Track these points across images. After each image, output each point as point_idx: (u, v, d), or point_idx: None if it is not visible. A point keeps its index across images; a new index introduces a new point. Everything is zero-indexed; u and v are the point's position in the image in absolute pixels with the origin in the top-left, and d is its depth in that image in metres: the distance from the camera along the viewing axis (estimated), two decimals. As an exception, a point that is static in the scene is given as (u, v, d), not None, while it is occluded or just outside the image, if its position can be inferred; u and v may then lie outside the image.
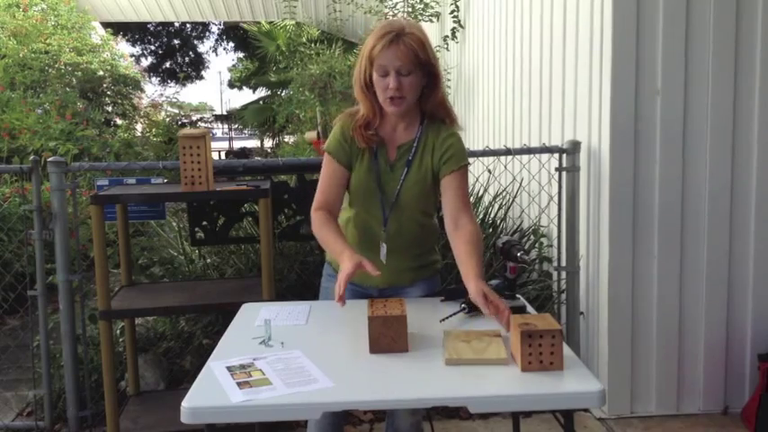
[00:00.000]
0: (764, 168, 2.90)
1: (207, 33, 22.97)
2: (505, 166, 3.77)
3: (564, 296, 3.20)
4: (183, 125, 12.74)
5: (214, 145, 12.17)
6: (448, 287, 2.04)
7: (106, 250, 2.46)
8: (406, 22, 1.87)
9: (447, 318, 1.77)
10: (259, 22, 11.36)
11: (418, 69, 1.84)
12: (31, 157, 2.96)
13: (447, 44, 5.82)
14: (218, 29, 22.21)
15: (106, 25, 11.32)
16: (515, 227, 3.77)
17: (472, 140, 5.39)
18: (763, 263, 2.94)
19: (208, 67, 24.15)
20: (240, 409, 1.34)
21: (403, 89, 1.83)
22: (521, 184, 3.69)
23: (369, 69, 1.86)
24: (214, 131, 22.75)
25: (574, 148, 3.05)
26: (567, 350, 1.52)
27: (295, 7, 7.47)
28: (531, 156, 3.41)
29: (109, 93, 10.20)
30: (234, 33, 20.80)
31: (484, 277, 1.76)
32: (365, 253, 1.89)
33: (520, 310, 1.76)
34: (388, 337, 1.59)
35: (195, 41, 23.44)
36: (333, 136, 1.98)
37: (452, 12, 5.63)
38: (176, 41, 23.18)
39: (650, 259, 2.92)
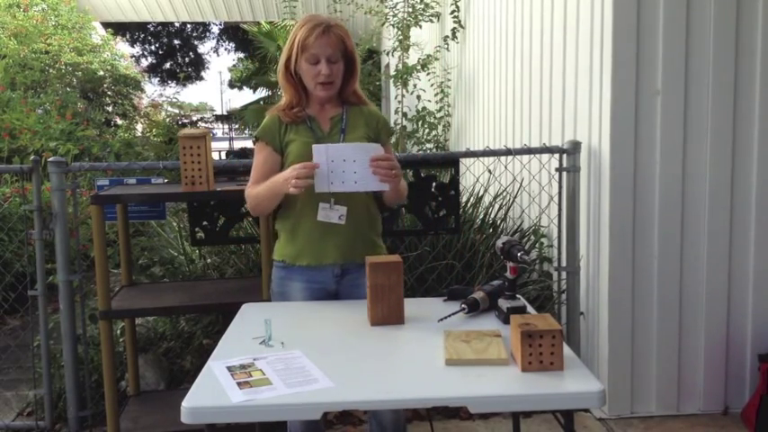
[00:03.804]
0: (765, 168, 2.90)
1: (207, 33, 22.95)
2: (506, 167, 3.77)
3: (564, 296, 3.20)
4: (184, 125, 12.75)
5: (214, 145, 12.17)
6: (451, 287, 2.05)
7: (106, 250, 2.46)
8: (329, 16, 2.08)
9: (446, 317, 1.77)
10: (259, 23, 11.36)
11: (343, 58, 2.06)
12: (32, 158, 2.96)
13: (447, 44, 5.82)
14: (219, 29, 22.20)
15: (106, 25, 11.33)
16: (516, 227, 3.77)
17: (472, 140, 5.39)
18: (764, 263, 2.94)
19: (208, 67, 24.14)
20: (240, 409, 1.34)
21: (333, 74, 2.04)
22: (521, 184, 3.69)
23: (298, 58, 2.04)
24: (214, 131, 22.74)
25: (574, 148, 3.05)
26: (567, 350, 1.52)
27: (295, 7, 7.45)
28: (532, 156, 3.41)
29: (109, 93, 10.21)
30: (234, 33, 20.78)
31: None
32: (321, 227, 2.04)
33: (520, 310, 1.76)
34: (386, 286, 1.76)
35: (195, 42, 23.42)
36: (262, 124, 2.15)
37: (453, 12, 5.63)
38: (176, 42, 23.16)
39: (650, 259, 2.92)
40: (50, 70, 8.94)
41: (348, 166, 1.87)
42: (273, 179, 1.99)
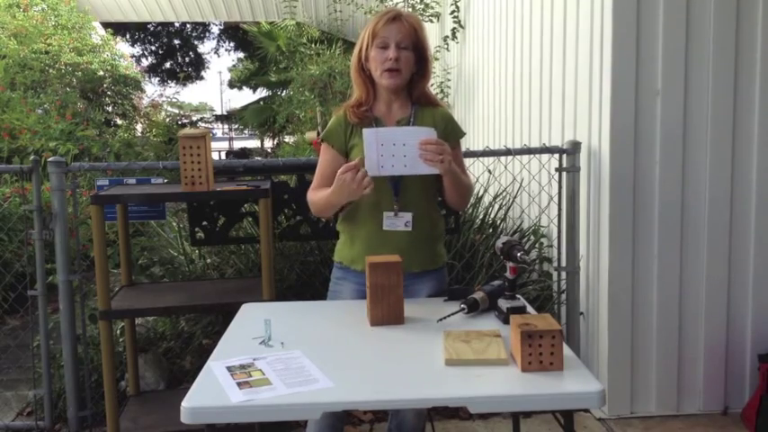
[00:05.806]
0: (765, 168, 2.90)
1: (207, 33, 22.96)
2: (506, 167, 3.77)
3: (564, 296, 3.20)
4: (184, 125, 12.75)
5: (214, 145, 12.18)
6: (451, 287, 2.04)
7: (106, 250, 2.46)
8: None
9: (445, 317, 1.77)
10: (259, 23, 11.36)
11: (413, 49, 1.99)
12: (32, 158, 2.96)
13: (447, 44, 5.82)
14: (219, 29, 22.21)
15: (106, 25, 11.31)
16: (515, 227, 3.77)
17: (472, 140, 5.39)
18: (763, 263, 2.94)
19: (208, 67, 24.15)
20: (240, 409, 1.34)
21: (400, 61, 1.97)
22: (521, 184, 3.69)
23: (369, 46, 1.99)
24: (214, 131, 22.77)
25: (574, 148, 3.05)
26: (566, 350, 1.52)
27: (295, 7, 7.47)
28: (532, 156, 3.41)
29: (109, 93, 10.21)
30: (234, 33, 20.79)
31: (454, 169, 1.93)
32: (379, 236, 1.99)
33: (520, 310, 1.76)
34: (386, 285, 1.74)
35: (195, 42, 23.42)
36: (329, 124, 2.09)
37: (452, 12, 5.63)
38: (176, 41, 23.16)
39: (650, 259, 2.92)
40: (50, 70, 8.93)
41: (398, 149, 1.85)
42: (333, 190, 1.89)
